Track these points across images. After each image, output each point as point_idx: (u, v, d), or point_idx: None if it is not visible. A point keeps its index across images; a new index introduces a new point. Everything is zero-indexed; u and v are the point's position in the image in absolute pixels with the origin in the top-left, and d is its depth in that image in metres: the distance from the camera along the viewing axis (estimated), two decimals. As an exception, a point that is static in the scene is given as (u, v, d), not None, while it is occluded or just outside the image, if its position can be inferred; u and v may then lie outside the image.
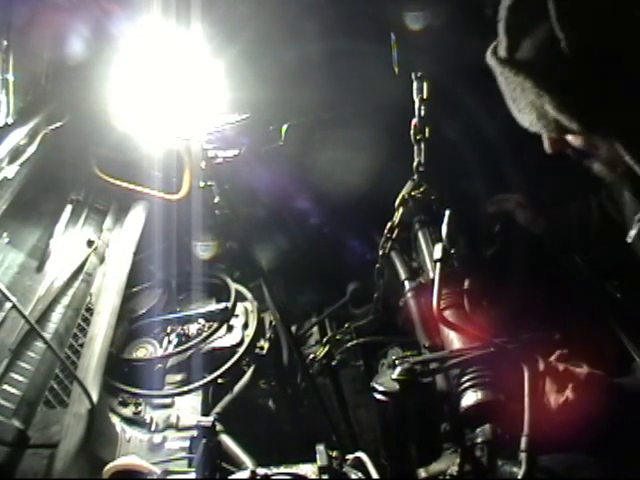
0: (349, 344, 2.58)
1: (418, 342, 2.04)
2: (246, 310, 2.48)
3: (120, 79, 2.33)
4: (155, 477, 1.63)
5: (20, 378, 1.73)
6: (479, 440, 1.53)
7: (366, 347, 2.57)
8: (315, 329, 2.82)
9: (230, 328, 2.37)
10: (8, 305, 1.82)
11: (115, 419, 1.97)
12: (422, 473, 1.66)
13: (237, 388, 2.18)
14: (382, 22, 2.50)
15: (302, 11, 2.53)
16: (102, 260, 2.36)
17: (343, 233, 2.90)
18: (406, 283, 2.27)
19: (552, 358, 1.57)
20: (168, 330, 2.36)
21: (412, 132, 2.20)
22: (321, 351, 2.62)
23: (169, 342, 2.32)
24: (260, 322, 2.44)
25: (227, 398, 2.13)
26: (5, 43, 2.16)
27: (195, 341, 2.28)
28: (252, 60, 2.52)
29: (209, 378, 2.16)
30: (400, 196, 2.28)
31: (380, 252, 2.38)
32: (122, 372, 2.16)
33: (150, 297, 2.52)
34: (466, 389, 1.63)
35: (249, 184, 2.75)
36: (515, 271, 2.04)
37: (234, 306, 2.46)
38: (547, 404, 1.49)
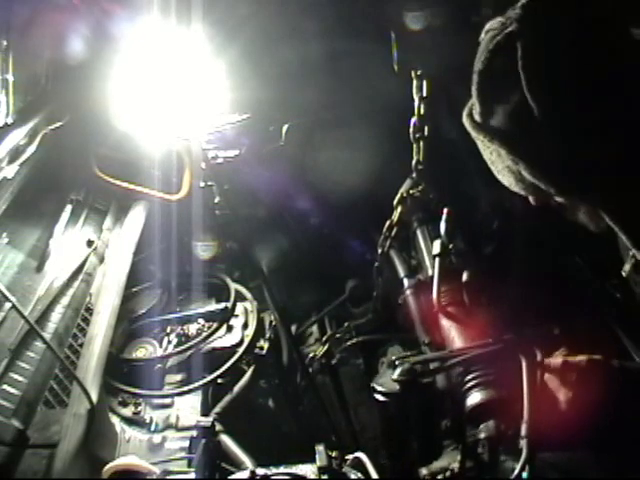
0: (349, 342, 2.59)
1: (418, 340, 2.05)
2: (246, 310, 2.48)
3: (120, 79, 2.33)
4: (155, 477, 1.63)
5: (20, 378, 1.72)
6: (482, 436, 1.54)
7: (366, 345, 2.57)
8: (315, 328, 2.82)
9: (230, 328, 2.37)
10: (8, 305, 1.82)
11: (115, 419, 1.97)
12: (423, 471, 1.67)
13: (237, 388, 2.18)
14: (382, 22, 2.50)
15: (302, 11, 2.53)
16: (102, 260, 2.36)
17: (343, 233, 2.90)
18: (405, 280, 2.28)
19: (552, 356, 1.58)
20: (168, 330, 2.36)
21: (411, 130, 2.21)
22: (321, 350, 2.62)
23: (169, 342, 2.32)
24: (260, 322, 2.44)
25: (227, 398, 2.13)
26: (5, 43, 2.16)
27: (195, 341, 2.28)
28: (252, 60, 2.51)
29: (209, 378, 2.15)
30: (399, 194, 2.29)
31: (379, 250, 2.39)
32: (122, 372, 2.16)
33: (150, 297, 2.52)
34: (471, 388, 1.63)
35: (249, 184, 2.75)
36: (514, 268, 2.04)
37: (234, 306, 2.46)
38: (556, 402, 1.49)
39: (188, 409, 2.07)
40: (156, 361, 2.22)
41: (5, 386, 1.68)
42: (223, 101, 2.51)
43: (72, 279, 2.16)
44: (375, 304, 2.58)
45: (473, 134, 1.22)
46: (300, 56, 2.58)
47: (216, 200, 2.48)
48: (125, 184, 2.61)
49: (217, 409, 2.08)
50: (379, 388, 1.71)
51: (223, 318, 2.39)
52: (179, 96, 2.31)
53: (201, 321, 2.41)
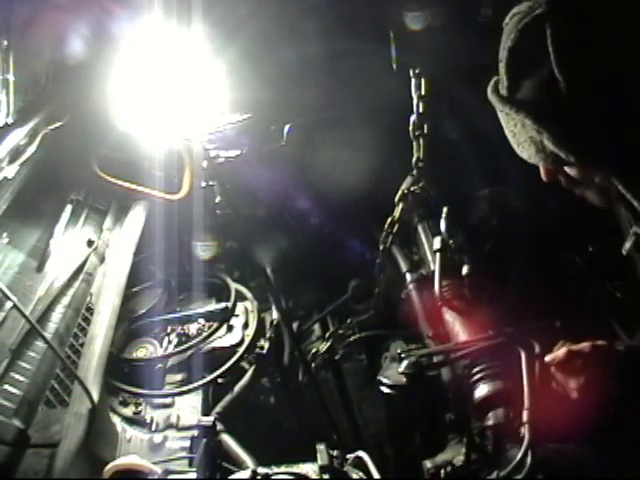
0: (351, 338, 2.60)
1: (420, 335, 2.07)
2: (246, 310, 2.48)
3: (120, 79, 2.33)
4: (156, 477, 1.63)
5: (21, 378, 1.72)
6: (489, 423, 1.55)
7: (368, 341, 2.58)
8: (317, 327, 2.83)
9: (230, 328, 2.37)
10: (9, 305, 1.81)
11: (116, 419, 1.97)
12: (428, 464, 1.67)
13: (237, 388, 2.18)
14: (382, 22, 2.50)
15: (302, 11, 2.53)
16: (102, 260, 2.36)
17: (343, 233, 2.91)
18: (408, 275, 2.31)
19: (553, 348, 1.59)
20: (168, 330, 2.37)
21: (411, 128, 2.22)
22: (324, 346, 2.63)
23: (169, 342, 2.32)
24: (260, 322, 2.44)
25: (227, 398, 2.13)
26: (5, 43, 2.16)
27: (195, 341, 2.28)
28: (252, 60, 2.52)
29: (209, 378, 2.16)
30: (400, 191, 2.30)
31: (381, 247, 2.40)
32: (122, 372, 2.16)
33: (150, 297, 2.52)
34: (478, 380, 1.65)
35: (250, 184, 2.76)
36: (513, 267, 2.06)
37: (234, 306, 2.46)
38: (563, 391, 1.50)
39: (189, 409, 2.07)
40: (157, 361, 2.22)
41: (6, 386, 1.68)
42: (223, 101, 2.51)
43: (73, 279, 2.15)
44: (377, 300, 2.59)
45: (499, 107, 1.31)
46: (300, 56, 2.59)
47: (217, 200, 2.48)
48: (125, 184, 2.61)
49: (218, 409, 2.07)
50: (385, 381, 1.71)
51: (223, 318, 2.39)
52: (179, 96, 2.31)
53: (201, 321, 2.41)
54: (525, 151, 1.32)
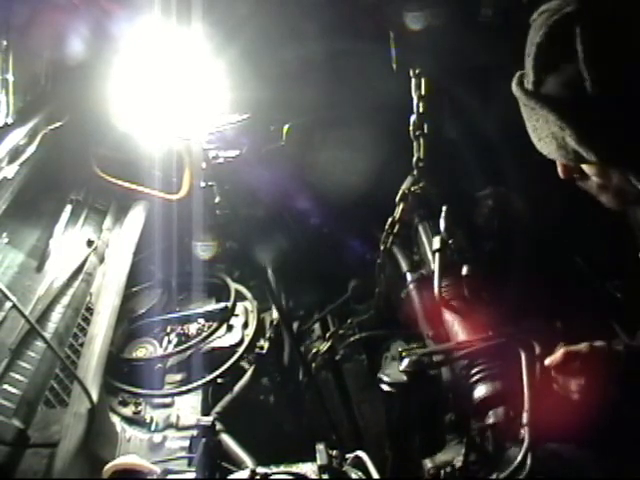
0: (352, 338, 2.60)
1: (420, 335, 2.07)
2: (246, 310, 2.48)
3: (120, 79, 2.33)
4: (155, 477, 1.63)
5: (20, 378, 1.72)
6: (489, 422, 1.55)
7: (369, 342, 2.58)
8: (317, 326, 2.83)
9: (230, 328, 2.37)
10: (8, 305, 1.82)
11: (115, 419, 1.97)
12: (428, 464, 1.67)
13: (237, 388, 2.18)
14: (382, 22, 2.50)
15: (302, 11, 2.53)
16: (102, 260, 2.37)
17: (343, 233, 2.91)
18: (408, 275, 2.31)
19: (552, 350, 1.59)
20: (168, 330, 2.37)
21: (411, 128, 2.22)
22: (324, 346, 2.63)
23: (169, 342, 2.32)
24: (260, 322, 2.45)
25: (227, 398, 2.13)
26: (5, 43, 2.16)
27: (195, 341, 2.28)
28: (252, 60, 2.51)
29: (209, 378, 2.16)
30: (400, 191, 2.30)
31: (381, 247, 2.40)
32: (122, 372, 2.17)
33: (150, 297, 2.52)
34: (478, 381, 1.64)
35: (249, 184, 2.76)
36: (514, 267, 2.05)
37: (234, 306, 2.46)
38: (562, 392, 1.50)
39: (188, 408, 2.07)
40: (156, 361, 2.22)
41: (6, 386, 1.68)
42: (223, 101, 2.51)
43: (72, 279, 2.16)
44: (378, 301, 2.59)
45: (523, 100, 1.31)
46: (300, 56, 2.59)
47: (216, 200, 2.48)
48: (125, 184, 2.61)
49: (217, 408, 2.08)
50: (386, 379, 1.71)
51: (223, 318, 2.40)
52: (179, 96, 2.31)
53: (201, 321, 2.41)
54: (546, 146, 1.32)
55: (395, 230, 2.35)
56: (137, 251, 2.42)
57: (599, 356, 1.49)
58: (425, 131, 2.22)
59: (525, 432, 1.42)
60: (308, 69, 2.60)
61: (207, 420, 1.86)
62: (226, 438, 1.89)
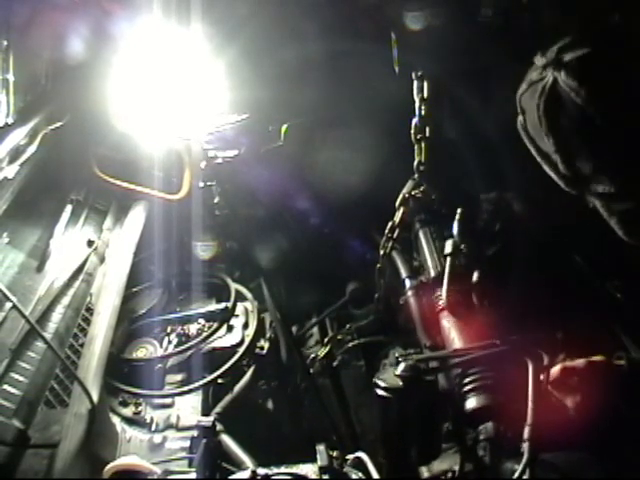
0: (350, 344, 2.58)
1: (419, 342, 2.05)
2: (246, 310, 2.48)
3: (120, 79, 2.33)
4: (155, 477, 1.64)
5: (20, 378, 1.72)
6: (482, 437, 1.53)
7: (367, 347, 2.57)
8: (315, 330, 2.82)
9: (230, 328, 2.37)
10: (8, 305, 1.82)
11: (115, 419, 1.98)
12: (424, 472, 1.66)
13: (237, 388, 2.18)
14: (382, 22, 2.50)
15: (302, 11, 2.53)
16: (102, 260, 2.36)
17: (343, 233, 2.90)
18: (407, 281, 2.27)
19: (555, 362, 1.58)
20: (168, 330, 2.37)
21: (412, 131, 2.21)
22: (322, 351, 2.62)
23: (169, 342, 2.32)
24: (260, 322, 2.44)
25: (227, 398, 2.14)
26: (5, 43, 2.16)
27: (195, 341, 2.28)
28: (252, 60, 2.51)
29: (209, 378, 2.16)
30: (401, 195, 2.29)
31: (381, 252, 2.38)
32: (122, 372, 2.17)
33: (150, 297, 2.52)
34: (470, 391, 1.63)
35: (249, 184, 2.75)
36: (515, 270, 2.04)
37: (234, 306, 2.46)
38: (558, 406, 1.49)
39: (189, 409, 2.07)
40: (156, 361, 2.23)
41: (6, 386, 1.68)
42: (222, 101, 2.51)
43: (72, 279, 2.16)
44: (377, 306, 2.57)
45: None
46: (300, 56, 2.58)
47: (216, 200, 2.48)
48: (125, 184, 2.61)
49: (218, 409, 2.08)
50: (381, 384, 1.70)
51: (223, 318, 2.40)
52: (179, 96, 2.31)
53: (201, 321, 2.41)
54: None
55: (395, 235, 2.32)
56: (137, 251, 2.42)
57: (598, 372, 1.48)
58: (427, 134, 2.20)
59: (525, 447, 1.38)
60: (308, 69, 2.60)
61: (207, 420, 1.86)
62: (226, 438, 1.89)
